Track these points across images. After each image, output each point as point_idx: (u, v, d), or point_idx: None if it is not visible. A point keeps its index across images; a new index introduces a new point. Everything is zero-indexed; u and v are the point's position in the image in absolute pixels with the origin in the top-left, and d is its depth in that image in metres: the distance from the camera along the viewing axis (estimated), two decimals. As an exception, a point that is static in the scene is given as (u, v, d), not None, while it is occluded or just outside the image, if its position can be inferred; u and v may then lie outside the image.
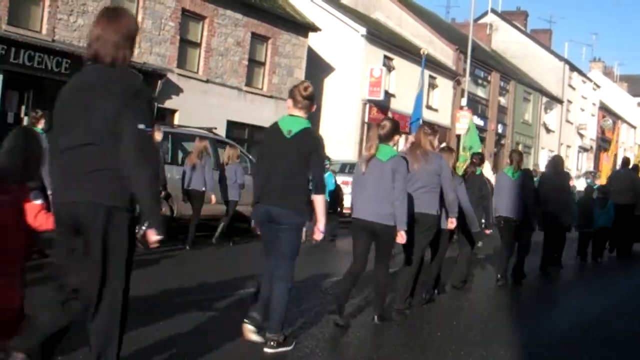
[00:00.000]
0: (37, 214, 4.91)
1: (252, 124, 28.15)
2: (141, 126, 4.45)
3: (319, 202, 6.89)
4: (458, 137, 34.85)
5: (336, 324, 7.82)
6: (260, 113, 27.39)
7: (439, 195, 8.86)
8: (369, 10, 43.28)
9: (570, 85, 59.79)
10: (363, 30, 34.40)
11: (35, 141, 5.11)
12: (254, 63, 28.99)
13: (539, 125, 54.84)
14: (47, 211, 4.93)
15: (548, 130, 56.41)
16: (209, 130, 17.94)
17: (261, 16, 28.63)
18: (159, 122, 15.81)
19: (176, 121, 23.62)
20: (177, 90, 24.35)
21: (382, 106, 35.33)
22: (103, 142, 4.45)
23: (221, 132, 22.21)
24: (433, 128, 9.28)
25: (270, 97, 29.11)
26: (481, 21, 57.30)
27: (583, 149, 63.89)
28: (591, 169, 53.98)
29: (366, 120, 34.58)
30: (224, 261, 13.14)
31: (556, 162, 14.55)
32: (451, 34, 48.24)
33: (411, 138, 9.37)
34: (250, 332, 6.79)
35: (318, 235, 6.98)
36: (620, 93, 78.04)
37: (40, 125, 10.28)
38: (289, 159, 6.71)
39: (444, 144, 13.53)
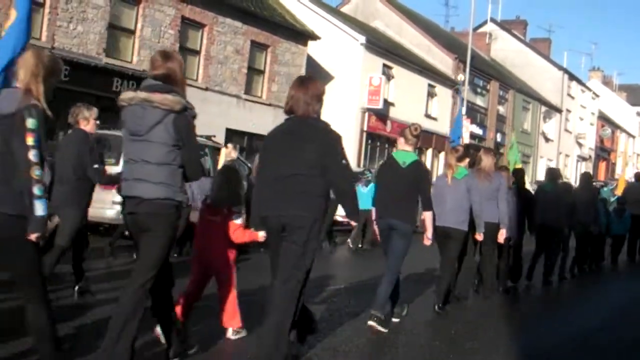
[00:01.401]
0: (235, 230, 6.89)
1: (251, 132, 28.15)
2: (344, 162, 6.30)
3: (429, 216, 8.71)
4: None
5: (437, 309, 9.68)
6: (260, 121, 27.38)
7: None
8: (368, 19, 43.33)
9: (569, 95, 59.84)
10: (362, 39, 34.43)
11: (235, 176, 7.23)
12: (253, 71, 29.01)
13: (538, 134, 54.89)
14: (245, 228, 6.90)
15: (547, 140, 56.44)
16: (208, 138, 17.92)
17: (261, 24, 28.67)
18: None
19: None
20: (177, 98, 24.38)
21: (381, 115, 35.35)
22: (309, 172, 6.20)
23: (220, 140, 22.19)
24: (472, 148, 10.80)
25: (270, 105, 29.09)
26: (480, 30, 57.35)
27: (582, 158, 63.91)
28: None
29: (365, 128, 34.60)
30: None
31: (587, 178, 17.00)
32: (450, 42, 48.28)
33: (448, 157, 11.23)
34: (375, 327, 8.27)
35: (427, 242, 8.88)
36: (619, 102, 78.12)
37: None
38: (404, 183, 8.57)
39: (501, 165, 15.81)
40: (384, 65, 36.07)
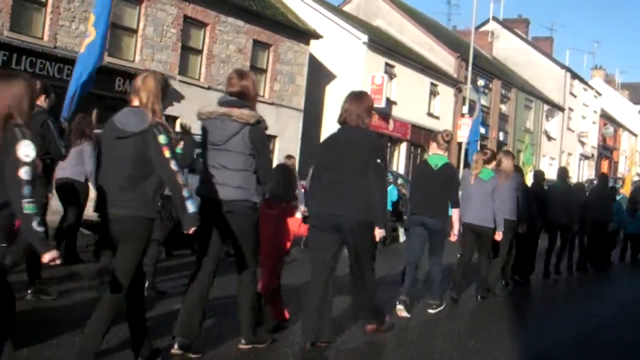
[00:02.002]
0: (300, 225, 7.59)
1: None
2: (378, 160, 7.11)
3: (456, 213, 9.72)
4: (459, 144, 34.88)
5: (452, 298, 10.32)
6: (262, 120, 27.36)
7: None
8: (370, 18, 43.31)
9: (571, 93, 59.78)
10: (364, 38, 34.44)
11: (291, 173, 7.91)
12: (255, 70, 28.99)
13: (540, 132, 54.84)
14: (303, 223, 7.65)
15: (549, 138, 56.39)
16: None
17: (263, 23, 28.67)
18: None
19: (177, 128, 23.61)
20: (179, 97, 24.34)
21: (384, 113, 35.34)
22: (358, 177, 7.00)
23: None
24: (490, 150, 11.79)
25: (272, 104, 29.09)
26: (482, 29, 57.30)
27: (584, 157, 63.85)
28: (592, 176, 54.02)
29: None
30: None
31: (604, 178, 18.25)
32: (452, 41, 48.25)
33: (476, 157, 11.49)
34: (400, 310, 9.21)
35: (453, 238, 9.91)
36: (621, 101, 78.04)
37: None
38: (436, 184, 9.44)
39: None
40: (386, 64, 36.07)
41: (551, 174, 39.51)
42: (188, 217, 5.64)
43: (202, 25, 26.33)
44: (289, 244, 7.67)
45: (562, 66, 59.86)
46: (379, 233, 7.15)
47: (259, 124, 6.48)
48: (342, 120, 7.41)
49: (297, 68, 30.91)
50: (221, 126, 6.42)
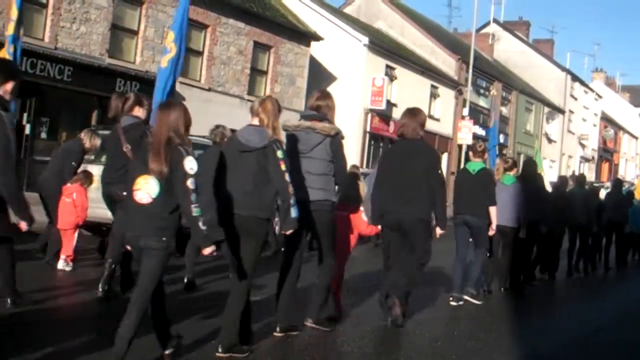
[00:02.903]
0: (368, 225, 8.69)
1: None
2: (439, 171, 8.64)
3: (493, 211, 10.67)
4: (460, 147, 34.91)
5: (485, 291, 11.41)
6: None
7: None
8: (371, 20, 43.33)
9: (572, 96, 59.80)
10: (365, 40, 34.46)
11: (358, 180, 8.86)
12: (256, 72, 29.05)
13: (541, 135, 54.83)
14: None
15: (550, 141, 56.39)
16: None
17: (263, 25, 28.69)
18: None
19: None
20: (179, 99, 24.35)
21: (384, 116, 35.36)
22: (420, 182, 8.29)
23: (223, 140, 22.20)
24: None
25: (272, 106, 29.08)
26: (483, 31, 57.31)
27: (585, 159, 63.85)
28: (592, 178, 54.01)
29: (368, 129, 34.61)
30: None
31: (618, 183, 19.27)
32: (453, 43, 48.26)
33: (497, 164, 12.86)
34: (452, 301, 10.40)
35: (492, 232, 10.80)
36: (622, 103, 78.07)
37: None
38: (475, 187, 10.62)
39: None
40: (387, 66, 36.10)
41: (551, 176, 39.59)
42: (290, 220, 6.75)
43: (203, 26, 26.35)
44: (354, 243, 8.79)
45: (563, 68, 59.87)
46: (439, 233, 8.63)
47: (337, 135, 7.66)
48: (400, 133, 8.80)
49: (298, 70, 30.94)
50: (306, 137, 7.54)
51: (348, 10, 44.07)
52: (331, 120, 7.79)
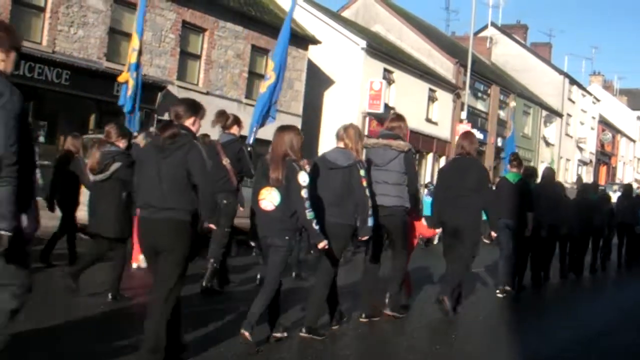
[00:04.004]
0: (428, 229, 10.59)
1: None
2: (490, 185, 10.46)
3: (530, 216, 12.40)
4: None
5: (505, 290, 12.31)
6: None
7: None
8: (369, 24, 43.33)
9: (569, 99, 59.83)
10: (363, 43, 34.42)
11: (416, 191, 9.56)
12: (254, 75, 29.01)
13: (539, 138, 54.86)
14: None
15: (547, 144, 56.40)
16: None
17: (261, 29, 28.68)
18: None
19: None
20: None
21: (382, 119, 35.24)
22: (473, 194, 9.70)
23: (221, 144, 22.16)
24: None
25: (270, 109, 29.06)
26: (481, 34, 57.36)
27: (582, 163, 63.88)
28: (591, 181, 53.92)
29: (366, 133, 34.55)
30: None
31: (629, 188, 20.82)
32: (451, 47, 48.25)
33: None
34: (499, 294, 12.12)
35: (528, 234, 12.49)
36: (619, 107, 78.14)
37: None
38: (515, 194, 12.30)
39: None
40: (385, 70, 36.07)
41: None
42: (367, 228, 7.98)
43: (201, 30, 26.33)
44: (415, 242, 10.36)
45: (561, 72, 59.91)
46: (494, 235, 10.82)
47: (410, 151, 9.13)
48: (458, 152, 10.30)
49: (296, 73, 30.93)
50: (383, 153, 9.00)
51: (346, 13, 44.08)
52: (404, 139, 9.25)
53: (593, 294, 15.18)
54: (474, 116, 43.21)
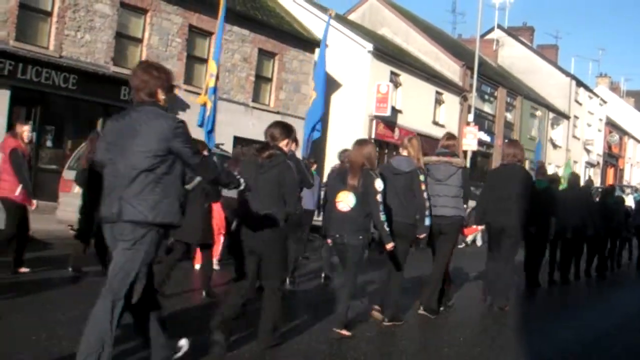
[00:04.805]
0: (465, 230, 11.36)
1: (259, 140, 28.07)
2: (530, 191, 11.62)
3: (553, 221, 13.46)
4: (465, 152, 34.89)
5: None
6: (267, 129, 27.31)
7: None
8: (375, 27, 43.34)
9: (576, 101, 59.74)
10: (370, 46, 34.42)
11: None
12: (260, 79, 29.06)
13: (546, 140, 54.76)
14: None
15: (555, 146, 56.32)
16: (216, 146, 17.95)
17: (268, 32, 28.71)
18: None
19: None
20: (184, 106, 24.36)
21: (389, 122, 35.33)
22: (516, 197, 10.93)
23: (228, 148, 22.20)
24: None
25: (277, 113, 29.01)
26: (487, 37, 57.30)
27: (590, 165, 63.75)
28: (598, 184, 53.90)
29: (373, 136, 34.53)
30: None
31: None
32: (458, 49, 48.25)
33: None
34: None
35: (551, 236, 13.83)
36: (626, 108, 77.97)
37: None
38: (540, 200, 12.44)
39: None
40: (392, 73, 36.05)
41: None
42: (425, 227, 9.21)
43: (208, 34, 26.35)
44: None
45: (567, 74, 59.82)
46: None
47: (467, 167, 10.56)
48: (509, 160, 11.31)
49: (303, 77, 30.95)
50: (443, 169, 10.06)
51: (352, 16, 44.10)
52: (459, 155, 10.69)
53: (595, 297, 15.16)
54: (480, 119, 43.16)
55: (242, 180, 6.49)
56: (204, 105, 16.67)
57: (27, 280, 10.27)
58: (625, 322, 11.55)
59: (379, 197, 8.14)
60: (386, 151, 35.88)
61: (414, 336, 8.71)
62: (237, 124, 27.16)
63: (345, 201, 8.22)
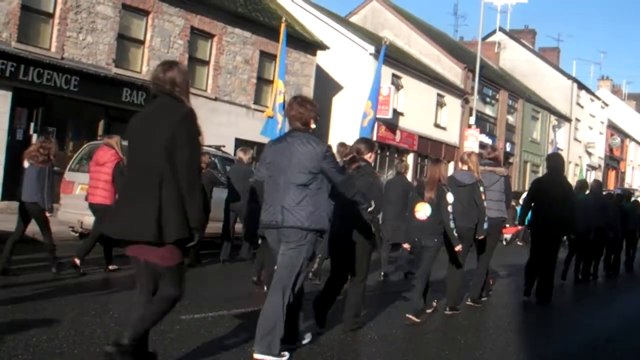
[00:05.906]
0: (508, 228, 17.35)
1: (260, 142, 28.09)
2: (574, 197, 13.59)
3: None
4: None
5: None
6: (269, 131, 27.33)
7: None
8: (377, 29, 43.32)
9: (578, 104, 59.72)
10: (371, 49, 34.40)
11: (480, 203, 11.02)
12: (262, 81, 29.04)
13: (547, 143, 54.72)
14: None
15: (557, 149, 56.24)
16: (217, 148, 17.95)
17: (270, 34, 28.67)
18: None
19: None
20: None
21: (391, 124, 35.32)
22: (561, 202, 12.27)
23: (229, 150, 22.19)
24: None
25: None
26: (489, 39, 57.31)
27: (591, 167, 63.70)
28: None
29: (375, 138, 34.52)
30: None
31: None
32: (459, 52, 48.23)
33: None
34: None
35: (572, 237, 15.47)
36: (628, 111, 77.91)
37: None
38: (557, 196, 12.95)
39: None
40: (393, 75, 36.05)
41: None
42: (483, 230, 10.64)
43: (209, 36, 26.38)
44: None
45: (569, 77, 59.80)
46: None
47: (508, 176, 11.81)
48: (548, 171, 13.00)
49: (304, 79, 30.94)
50: (489, 177, 11.36)
51: (354, 19, 44.11)
52: (501, 165, 12.01)
53: (600, 301, 15.14)
54: (482, 121, 43.15)
55: (372, 202, 7.92)
56: (271, 117, 19.63)
57: (27, 280, 10.28)
58: (634, 324, 11.55)
59: (449, 208, 9.54)
60: (387, 154, 35.90)
61: (414, 339, 8.68)
62: (238, 125, 27.15)
63: (423, 211, 9.58)
